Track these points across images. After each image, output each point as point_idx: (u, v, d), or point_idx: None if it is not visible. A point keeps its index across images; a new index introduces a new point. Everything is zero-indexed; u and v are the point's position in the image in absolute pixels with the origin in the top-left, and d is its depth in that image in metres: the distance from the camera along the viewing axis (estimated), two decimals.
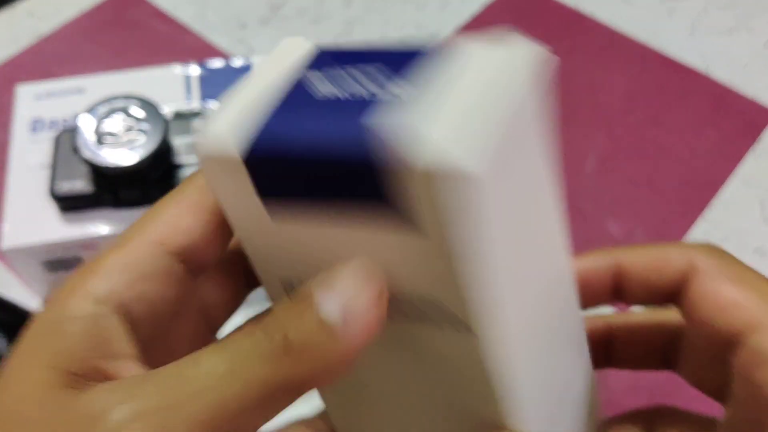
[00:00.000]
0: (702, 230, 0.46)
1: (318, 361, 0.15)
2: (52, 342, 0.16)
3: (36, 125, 0.42)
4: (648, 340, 0.24)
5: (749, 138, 0.50)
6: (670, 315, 0.23)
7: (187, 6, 0.59)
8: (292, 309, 0.16)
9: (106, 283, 0.16)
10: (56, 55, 0.56)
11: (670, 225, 0.46)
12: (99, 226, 0.38)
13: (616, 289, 0.22)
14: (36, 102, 0.43)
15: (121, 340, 0.16)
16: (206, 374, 0.15)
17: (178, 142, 0.40)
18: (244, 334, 0.16)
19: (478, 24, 0.57)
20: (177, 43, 0.56)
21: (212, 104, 0.43)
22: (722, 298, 0.20)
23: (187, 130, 0.40)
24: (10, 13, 0.59)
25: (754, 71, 0.54)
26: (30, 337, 0.16)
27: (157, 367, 0.16)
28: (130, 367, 0.16)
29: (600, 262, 0.22)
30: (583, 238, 0.46)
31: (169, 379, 0.15)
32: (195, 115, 0.41)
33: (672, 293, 0.21)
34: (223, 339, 0.16)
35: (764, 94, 0.52)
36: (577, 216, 0.47)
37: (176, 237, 0.17)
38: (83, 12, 0.59)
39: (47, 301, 0.17)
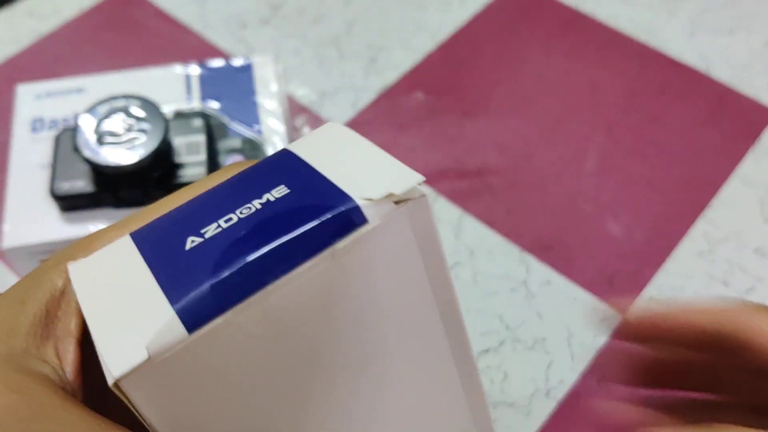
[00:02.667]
0: (702, 230, 0.46)
1: None
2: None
3: (36, 125, 0.42)
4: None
5: (749, 138, 0.50)
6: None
7: (188, 6, 0.59)
8: None
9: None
10: (56, 55, 0.56)
11: (669, 224, 0.46)
12: (99, 225, 0.38)
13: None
14: (36, 102, 0.43)
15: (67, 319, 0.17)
16: None
17: (178, 141, 0.40)
18: None
19: (478, 24, 0.57)
20: (177, 42, 0.56)
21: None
22: None
23: (187, 130, 0.40)
24: (10, 12, 0.59)
25: (754, 71, 0.54)
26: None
27: None
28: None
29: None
30: (582, 238, 0.46)
31: None
32: (195, 114, 0.41)
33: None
34: None
35: (764, 94, 0.52)
36: (577, 216, 0.47)
37: None
38: (83, 12, 0.59)
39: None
